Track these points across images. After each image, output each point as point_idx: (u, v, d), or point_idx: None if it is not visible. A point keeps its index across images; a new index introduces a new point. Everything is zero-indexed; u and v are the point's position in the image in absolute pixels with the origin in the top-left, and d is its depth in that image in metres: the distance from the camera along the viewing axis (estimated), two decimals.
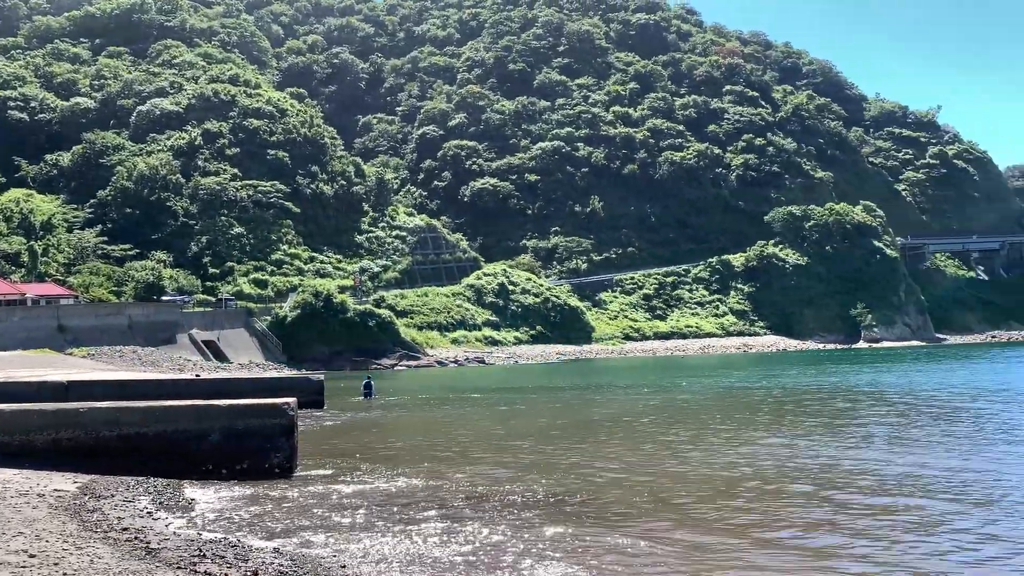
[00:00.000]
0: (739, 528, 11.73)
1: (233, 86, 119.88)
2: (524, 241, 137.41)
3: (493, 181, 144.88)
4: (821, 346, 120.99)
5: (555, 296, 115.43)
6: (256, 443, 17.42)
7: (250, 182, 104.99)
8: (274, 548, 11.12)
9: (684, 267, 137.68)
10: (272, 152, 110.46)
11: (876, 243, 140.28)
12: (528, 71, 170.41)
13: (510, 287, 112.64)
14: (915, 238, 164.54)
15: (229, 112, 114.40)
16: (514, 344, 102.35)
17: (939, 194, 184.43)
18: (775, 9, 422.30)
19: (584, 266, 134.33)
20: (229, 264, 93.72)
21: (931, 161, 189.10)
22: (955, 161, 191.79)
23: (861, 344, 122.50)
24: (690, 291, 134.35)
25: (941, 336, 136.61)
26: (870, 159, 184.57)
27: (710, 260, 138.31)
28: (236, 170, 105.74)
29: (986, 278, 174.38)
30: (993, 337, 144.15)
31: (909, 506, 12.51)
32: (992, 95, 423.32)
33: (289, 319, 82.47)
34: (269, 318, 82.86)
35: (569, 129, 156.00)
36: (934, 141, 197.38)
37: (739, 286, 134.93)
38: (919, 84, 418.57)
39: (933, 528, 11.44)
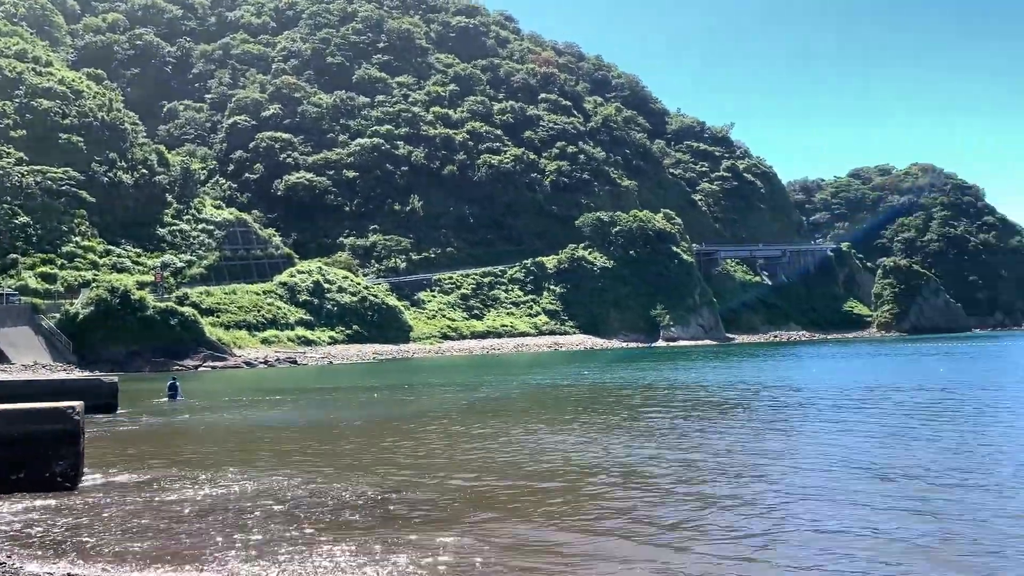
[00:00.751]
0: (550, 518, 12.25)
1: (20, 62, 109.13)
2: (341, 239, 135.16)
3: (309, 176, 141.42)
4: (625, 345, 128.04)
5: (373, 295, 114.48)
6: (36, 451, 16.34)
7: (38, 167, 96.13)
8: (44, 570, 10.43)
9: (501, 268, 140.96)
10: (64, 136, 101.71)
11: (675, 249, 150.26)
12: (347, 66, 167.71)
13: (326, 285, 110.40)
14: (709, 245, 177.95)
15: (15, 91, 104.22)
16: (329, 344, 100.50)
17: (731, 205, 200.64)
18: (588, 23, 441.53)
19: (403, 265, 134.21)
20: (12, 256, 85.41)
21: (724, 174, 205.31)
22: (745, 175, 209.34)
23: (660, 343, 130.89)
24: (506, 291, 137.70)
25: (730, 336, 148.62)
26: (671, 170, 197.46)
27: (525, 262, 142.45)
28: (22, 154, 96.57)
29: (770, 283, 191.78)
30: (775, 336, 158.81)
31: (693, 492, 13.61)
32: (778, 116, 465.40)
33: (81, 317, 76.38)
34: (58, 315, 76.31)
35: (389, 127, 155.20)
36: (727, 156, 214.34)
37: (552, 287, 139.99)
38: (715, 102, 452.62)
39: (718, 511, 12.40)
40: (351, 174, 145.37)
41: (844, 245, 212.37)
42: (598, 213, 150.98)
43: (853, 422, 20.92)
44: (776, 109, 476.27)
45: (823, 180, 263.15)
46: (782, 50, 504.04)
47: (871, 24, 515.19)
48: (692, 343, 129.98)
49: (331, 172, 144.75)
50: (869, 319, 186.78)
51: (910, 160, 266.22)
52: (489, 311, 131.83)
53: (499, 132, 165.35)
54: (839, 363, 57.41)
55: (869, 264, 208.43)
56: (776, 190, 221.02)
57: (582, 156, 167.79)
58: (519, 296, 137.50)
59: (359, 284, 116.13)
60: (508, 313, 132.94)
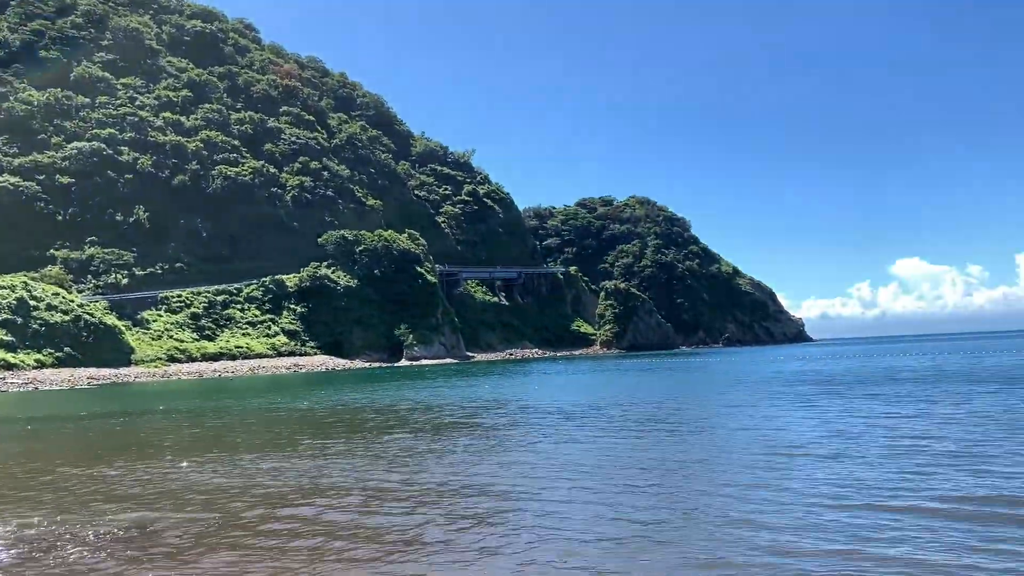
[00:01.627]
0: (274, 538, 12.11)
1: None
2: (52, 251, 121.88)
3: (15, 180, 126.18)
4: (368, 365, 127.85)
5: (88, 314, 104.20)
6: None
7: None
8: None
9: (237, 286, 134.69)
10: None
11: (419, 269, 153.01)
12: (64, 62, 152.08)
13: (32, 303, 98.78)
14: (452, 266, 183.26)
15: None
16: (35, 368, 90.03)
17: (472, 228, 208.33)
18: (333, 40, 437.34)
19: (125, 281, 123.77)
20: None
21: (466, 198, 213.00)
22: (485, 199, 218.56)
23: (404, 362, 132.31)
24: (242, 311, 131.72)
25: (471, 354, 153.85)
26: (415, 192, 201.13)
27: (264, 279, 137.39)
28: None
29: (507, 303, 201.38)
30: (511, 354, 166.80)
31: (433, 509, 14.14)
32: (515, 146, 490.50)
33: None
34: None
35: (112, 130, 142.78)
36: (469, 180, 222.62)
37: (292, 306, 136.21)
38: (457, 128, 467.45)
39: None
40: (65, 180, 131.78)
41: (572, 269, 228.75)
42: (342, 231, 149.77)
43: (581, 435, 22.84)
44: (513, 139, 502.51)
45: (554, 208, 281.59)
46: (521, 82, 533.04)
47: (593, 70, 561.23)
48: (435, 362, 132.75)
49: (42, 177, 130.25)
50: (594, 337, 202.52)
51: (629, 193, 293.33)
52: (223, 332, 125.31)
53: (237, 143, 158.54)
54: (569, 379, 61.89)
55: (593, 287, 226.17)
56: (513, 215, 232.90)
57: (326, 172, 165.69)
58: (256, 316, 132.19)
59: (72, 302, 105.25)
60: (244, 334, 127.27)
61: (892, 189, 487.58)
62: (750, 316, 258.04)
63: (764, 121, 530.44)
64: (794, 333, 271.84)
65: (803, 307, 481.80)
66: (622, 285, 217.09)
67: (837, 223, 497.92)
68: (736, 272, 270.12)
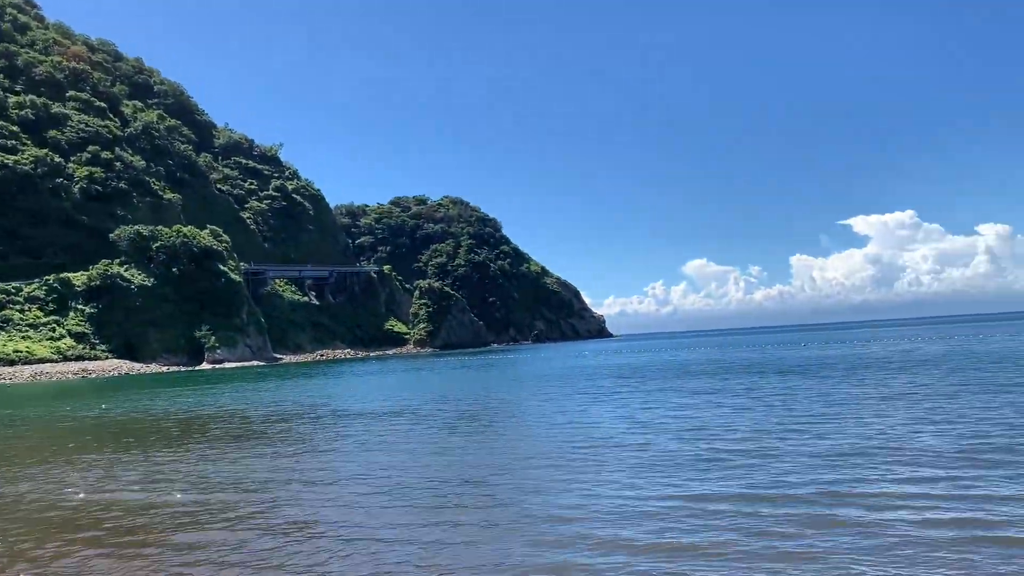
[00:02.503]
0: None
1: None
2: None
3: None
4: (166, 368, 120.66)
5: None
6: None
7: None
8: None
9: (15, 284, 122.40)
10: None
11: (222, 267, 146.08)
12: None
13: None
14: (258, 265, 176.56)
15: None
16: None
17: (280, 224, 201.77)
18: (126, 23, 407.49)
19: None
20: None
21: (273, 193, 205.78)
22: (294, 195, 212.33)
23: (205, 365, 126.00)
24: (22, 312, 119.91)
25: (278, 356, 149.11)
26: (218, 186, 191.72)
27: (47, 278, 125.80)
28: None
29: (318, 303, 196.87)
30: (322, 355, 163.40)
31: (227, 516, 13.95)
32: (327, 141, 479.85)
33: None
34: None
35: None
36: (276, 175, 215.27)
37: (80, 307, 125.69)
38: (265, 120, 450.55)
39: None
40: None
41: (386, 268, 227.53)
42: (137, 227, 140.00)
43: (391, 437, 23.22)
44: (325, 134, 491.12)
45: (368, 206, 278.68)
46: (337, 77, 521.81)
47: (417, 60, 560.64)
48: (240, 365, 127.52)
49: None
50: (407, 336, 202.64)
51: (443, 192, 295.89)
52: None
53: (16, 129, 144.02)
54: (382, 379, 61.82)
55: (408, 286, 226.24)
56: (324, 212, 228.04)
57: (119, 163, 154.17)
58: (38, 317, 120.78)
59: None
60: (24, 337, 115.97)
61: (682, 195, 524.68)
62: (557, 314, 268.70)
63: (570, 126, 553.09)
64: (597, 329, 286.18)
65: (604, 305, 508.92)
66: (436, 284, 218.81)
67: (634, 226, 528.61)
68: (544, 272, 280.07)
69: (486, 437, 20.80)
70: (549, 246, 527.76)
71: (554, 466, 15.74)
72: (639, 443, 17.92)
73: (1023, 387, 24.70)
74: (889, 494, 11.49)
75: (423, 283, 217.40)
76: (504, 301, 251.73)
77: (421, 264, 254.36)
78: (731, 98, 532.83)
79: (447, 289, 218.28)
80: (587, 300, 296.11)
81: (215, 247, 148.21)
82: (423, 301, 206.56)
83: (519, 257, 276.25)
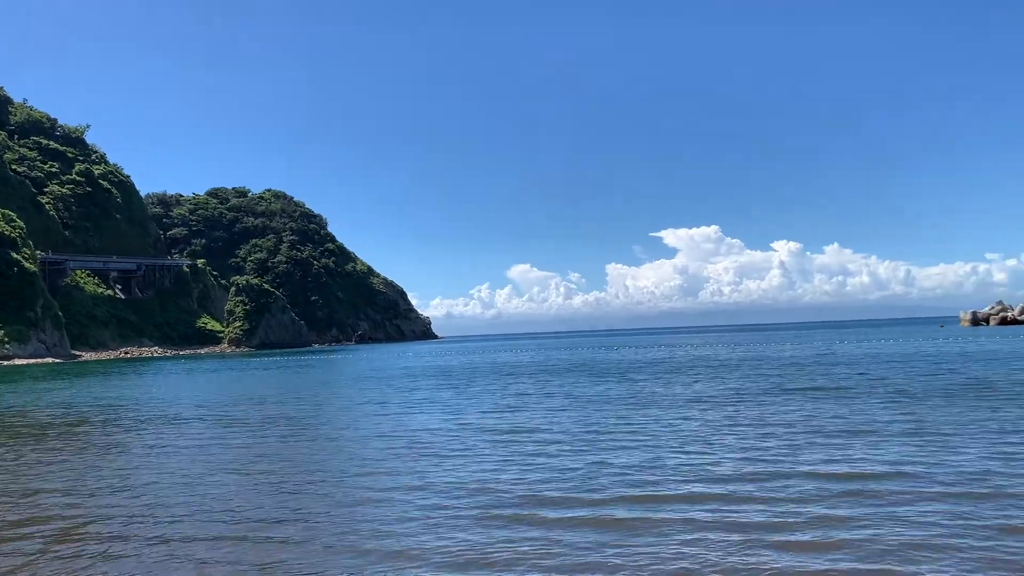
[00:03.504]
0: None
1: None
2: None
3: None
4: None
5: None
6: None
7: None
8: None
9: None
10: None
11: (15, 256, 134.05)
12: None
13: None
14: (57, 254, 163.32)
15: None
16: None
17: (84, 211, 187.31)
18: None
19: None
20: None
21: (77, 178, 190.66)
22: (101, 181, 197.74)
23: None
24: None
25: (78, 352, 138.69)
26: (13, 167, 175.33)
27: None
28: None
29: (124, 297, 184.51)
30: (127, 353, 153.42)
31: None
32: (138, 125, 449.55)
33: None
34: None
35: None
36: (82, 158, 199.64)
37: None
38: (70, 100, 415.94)
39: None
40: None
41: (200, 262, 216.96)
42: None
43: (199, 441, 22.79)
44: (136, 119, 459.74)
45: (182, 195, 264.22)
46: (158, 57, 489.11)
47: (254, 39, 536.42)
48: (33, 362, 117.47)
49: None
50: (222, 335, 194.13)
51: (266, 185, 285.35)
52: None
53: None
54: (192, 378, 59.44)
55: (224, 281, 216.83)
56: (134, 200, 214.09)
57: None
58: None
59: None
60: None
61: (507, 202, 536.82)
62: (382, 314, 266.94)
63: (401, 125, 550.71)
64: (422, 331, 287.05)
65: (431, 306, 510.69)
66: (255, 281, 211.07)
67: (462, 229, 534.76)
68: (370, 271, 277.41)
69: (299, 442, 20.69)
70: (376, 246, 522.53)
71: (371, 472, 15.26)
72: (459, 447, 18.00)
73: (804, 389, 28.11)
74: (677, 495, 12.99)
75: (240, 279, 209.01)
76: (327, 300, 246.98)
77: (239, 259, 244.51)
78: (558, 109, 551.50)
79: (266, 286, 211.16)
80: (414, 301, 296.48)
81: (7, 233, 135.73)
82: (240, 298, 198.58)
83: (344, 255, 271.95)
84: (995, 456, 14.09)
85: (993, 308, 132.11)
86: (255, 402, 33.97)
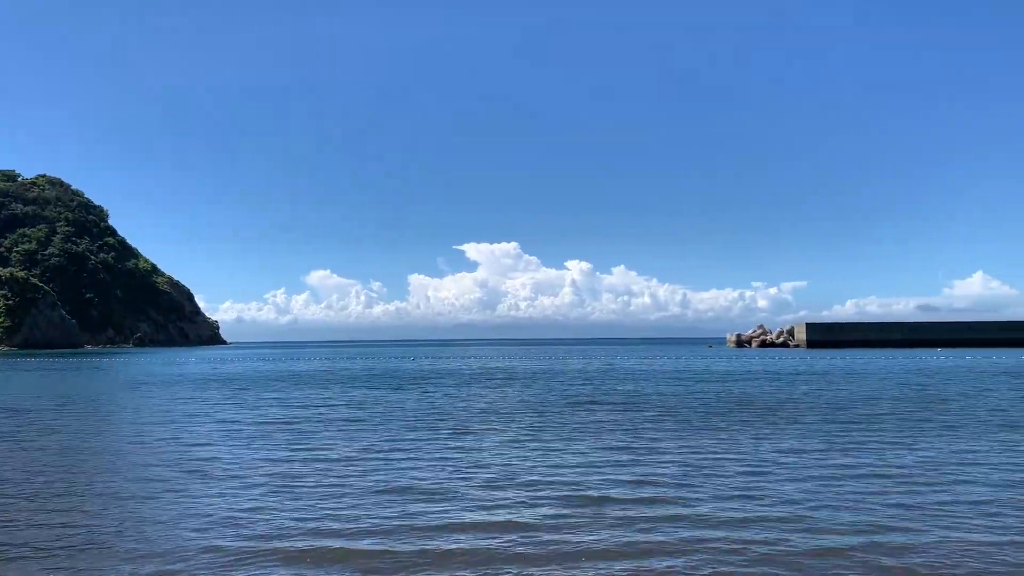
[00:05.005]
0: None
1: None
2: None
3: None
4: None
5: None
6: None
7: None
8: None
9: None
10: None
11: None
12: None
13: None
14: None
15: None
16: None
17: None
18: None
19: None
20: None
21: None
22: None
23: None
24: None
25: None
26: None
27: None
28: None
29: None
30: None
31: None
32: None
33: None
34: None
35: None
36: None
37: None
38: None
39: None
40: None
41: None
42: None
43: None
44: None
45: None
46: None
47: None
48: None
49: None
50: None
51: (40, 170, 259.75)
52: None
53: None
54: None
55: None
56: None
57: None
58: None
59: None
60: None
61: (311, 203, 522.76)
62: (166, 316, 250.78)
63: (195, 122, 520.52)
64: (209, 335, 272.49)
65: (221, 310, 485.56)
66: (20, 274, 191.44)
67: (257, 230, 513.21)
68: (154, 269, 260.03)
69: (57, 453, 19.52)
70: (163, 243, 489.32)
71: (141, 496, 13.25)
72: (229, 471, 15.68)
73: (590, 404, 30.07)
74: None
75: (3, 271, 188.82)
76: (104, 299, 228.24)
77: (4, 250, 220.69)
78: (370, 114, 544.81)
79: (34, 280, 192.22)
80: (201, 304, 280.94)
81: None
82: (2, 292, 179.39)
83: (126, 251, 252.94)
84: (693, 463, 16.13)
85: (755, 331, 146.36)
86: (9, 409, 31.26)
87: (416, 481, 14.01)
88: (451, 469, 15.18)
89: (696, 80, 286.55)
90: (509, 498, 12.49)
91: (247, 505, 12.26)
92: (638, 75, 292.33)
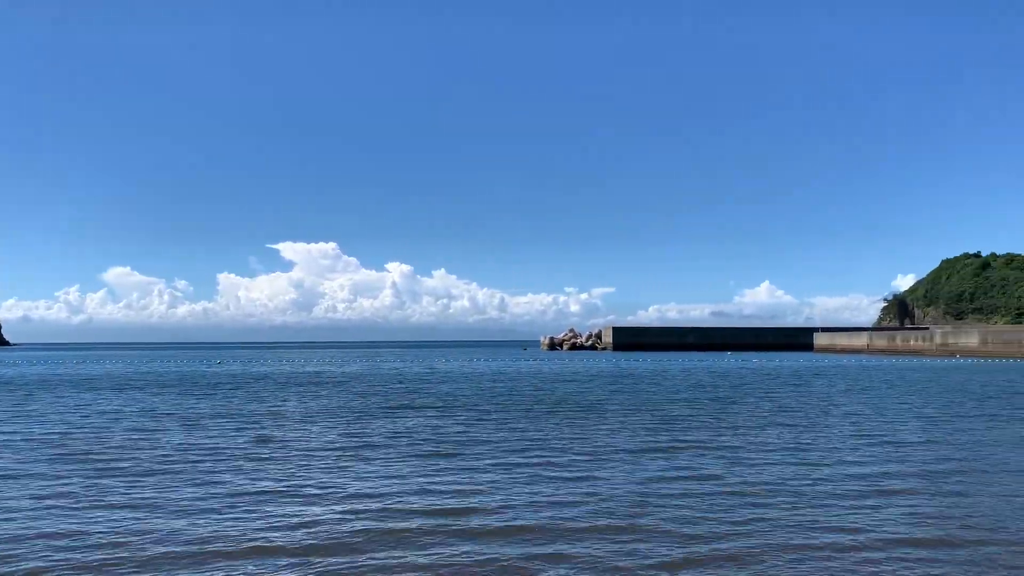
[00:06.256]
0: None
1: None
2: None
3: None
4: None
5: None
6: None
7: None
8: None
9: None
10: None
11: None
12: None
13: None
14: None
15: None
16: None
17: None
18: None
19: None
20: None
21: None
22: None
23: None
24: None
25: None
26: None
27: None
28: None
29: None
30: None
31: None
32: None
33: None
34: None
35: None
36: None
37: None
38: None
39: None
40: None
41: None
42: None
43: None
44: None
45: None
46: None
47: None
48: None
49: None
50: None
51: None
52: None
53: None
54: None
55: None
56: None
57: None
58: None
59: None
60: None
61: (110, 198, 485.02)
62: None
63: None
64: None
65: (4, 307, 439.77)
66: None
67: (46, 221, 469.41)
68: None
69: None
70: None
71: None
72: None
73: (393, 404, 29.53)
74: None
75: None
76: None
77: None
78: (172, 107, 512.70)
79: None
80: None
81: None
82: None
83: None
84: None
85: (566, 334, 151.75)
86: None
87: (192, 500, 13.07)
88: (247, 480, 14.33)
89: (523, 82, 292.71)
90: (312, 513, 11.91)
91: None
92: (464, 78, 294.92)
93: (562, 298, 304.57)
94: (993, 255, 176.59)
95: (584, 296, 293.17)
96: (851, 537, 10.18)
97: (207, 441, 19.99)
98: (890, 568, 8.96)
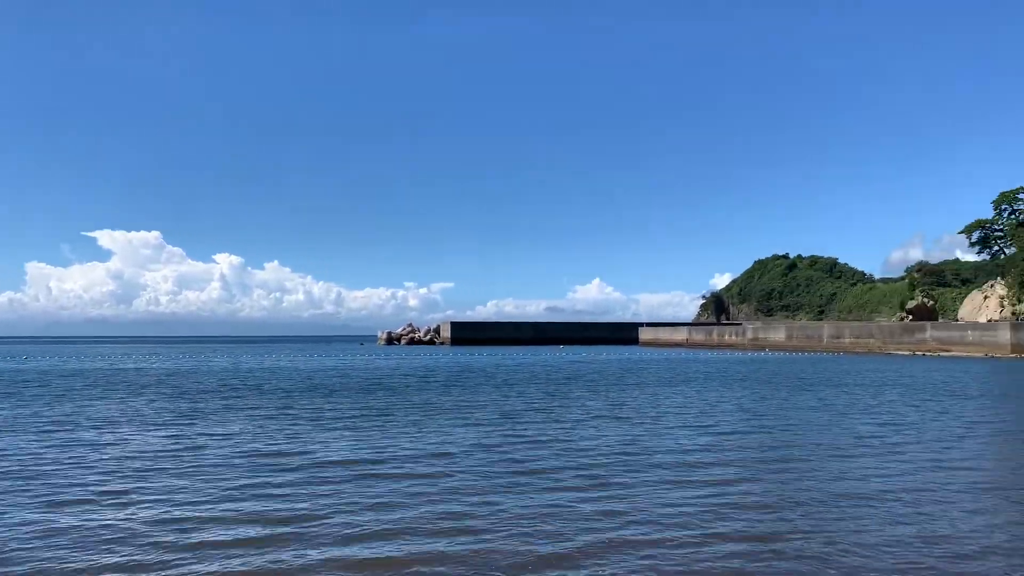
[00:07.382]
0: None
1: None
2: None
3: None
4: None
5: None
6: None
7: None
8: None
9: None
10: None
11: None
12: None
13: None
14: None
15: None
16: None
17: None
18: None
19: None
20: None
21: None
22: None
23: None
24: None
25: None
26: None
27: None
28: None
29: None
30: None
31: None
32: None
33: None
34: None
35: None
36: None
37: None
38: None
39: None
40: None
41: None
42: None
43: None
44: None
45: None
46: None
47: None
48: None
49: None
50: None
51: None
52: None
53: None
54: None
55: None
56: None
57: None
58: None
59: None
60: None
61: None
62: None
63: None
64: None
65: None
66: None
67: None
68: None
69: None
70: None
71: None
72: None
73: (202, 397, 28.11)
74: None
75: None
76: None
77: None
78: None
79: None
80: None
81: None
82: None
83: None
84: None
85: (404, 329, 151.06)
86: None
87: None
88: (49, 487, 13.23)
89: (364, 75, 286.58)
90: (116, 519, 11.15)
91: None
92: (307, 68, 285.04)
93: (401, 293, 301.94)
94: (799, 257, 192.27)
95: (423, 291, 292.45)
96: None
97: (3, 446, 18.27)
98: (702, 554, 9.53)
